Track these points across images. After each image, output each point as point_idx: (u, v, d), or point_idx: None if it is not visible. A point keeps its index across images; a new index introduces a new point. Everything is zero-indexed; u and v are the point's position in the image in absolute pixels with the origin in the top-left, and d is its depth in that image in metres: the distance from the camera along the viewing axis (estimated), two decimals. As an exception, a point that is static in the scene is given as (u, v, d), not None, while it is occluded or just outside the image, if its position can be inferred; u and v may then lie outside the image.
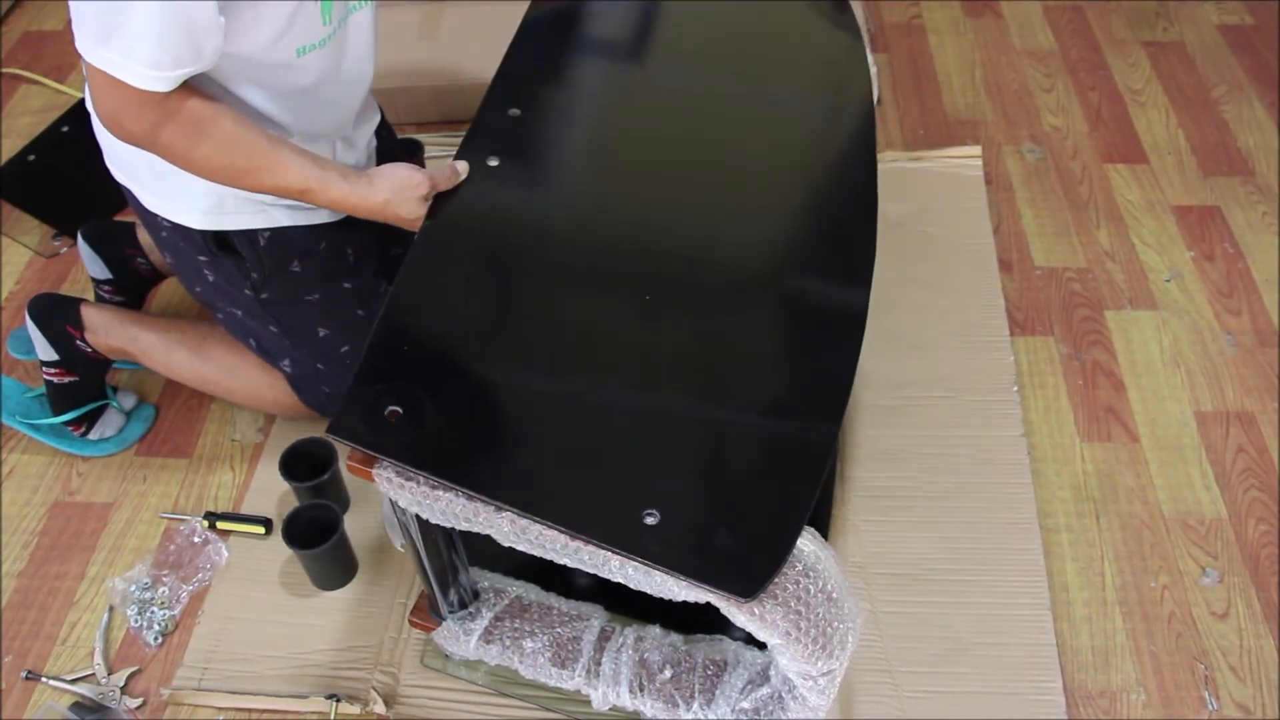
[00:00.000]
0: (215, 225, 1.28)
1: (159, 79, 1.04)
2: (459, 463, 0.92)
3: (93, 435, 1.54)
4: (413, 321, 1.03)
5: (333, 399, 1.45)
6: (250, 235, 1.29)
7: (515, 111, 1.24)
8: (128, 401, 1.58)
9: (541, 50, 1.34)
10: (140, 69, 1.03)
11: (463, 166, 1.20)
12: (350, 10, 1.22)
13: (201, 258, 1.34)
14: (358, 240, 1.41)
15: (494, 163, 1.18)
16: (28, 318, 1.46)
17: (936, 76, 2.15)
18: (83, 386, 1.51)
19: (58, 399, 1.50)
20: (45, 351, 1.47)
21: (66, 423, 1.52)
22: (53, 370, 1.48)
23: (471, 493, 0.90)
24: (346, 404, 0.94)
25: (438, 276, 1.08)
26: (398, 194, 1.19)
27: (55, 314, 1.46)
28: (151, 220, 1.34)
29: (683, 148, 1.26)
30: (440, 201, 1.15)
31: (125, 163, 1.30)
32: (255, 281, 1.34)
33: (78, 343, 1.46)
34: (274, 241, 1.31)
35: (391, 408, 0.94)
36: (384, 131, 1.53)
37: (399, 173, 1.21)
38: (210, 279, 1.37)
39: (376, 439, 0.92)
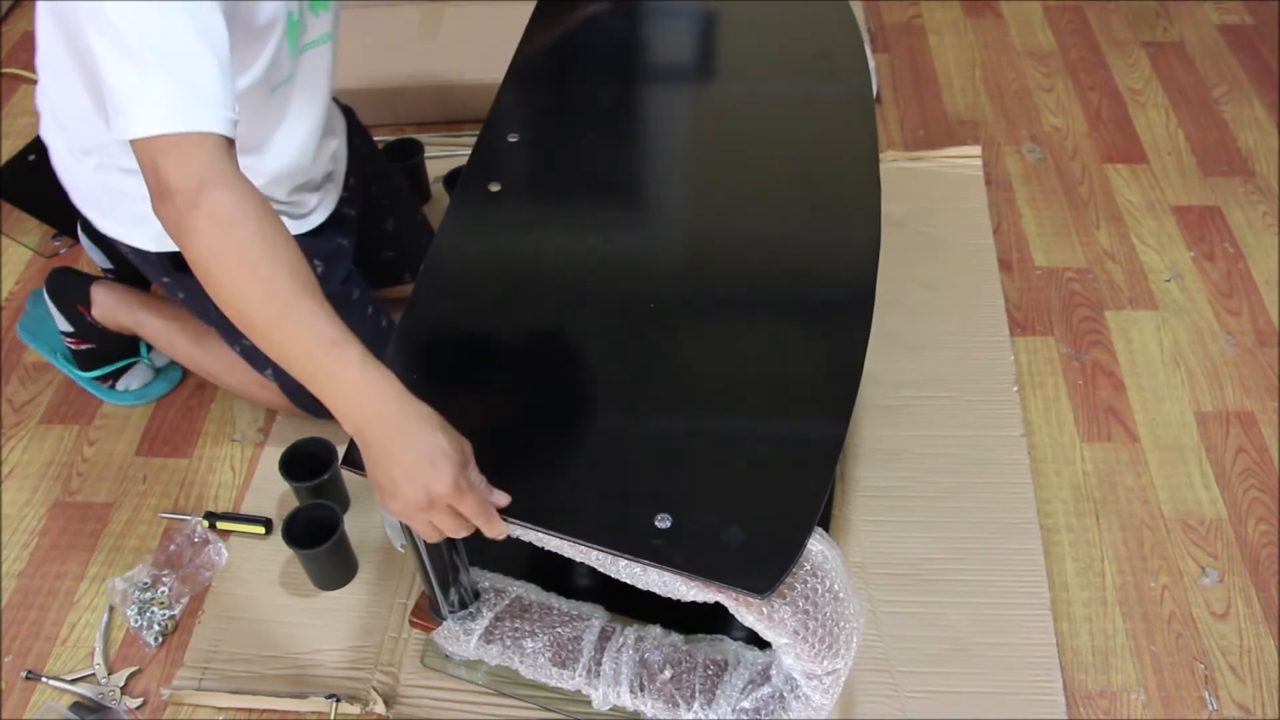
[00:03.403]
0: (170, 245, 1.27)
1: (196, 117, 0.94)
2: None
3: (119, 386, 1.60)
4: (421, 346, 1.03)
5: (318, 404, 1.44)
6: None
7: (514, 137, 1.25)
8: (160, 359, 1.61)
9: (537, 75, 1.35)
10: (219, 111, 0.94)
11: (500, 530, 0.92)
12: (306, 45, 1.24)
13: (165, 279, 1.36)
14: (324, 248, 1.41)
15: (495, 188, 1.19)
16: (45, 291, 1.53)
17: (936, 76, 2.15)
18: (102, 351, 1.56)
19: (82, 360, 1.57)
20: (62, 323, 1.53)
21: (94, 379, 1.59)
22: (71, 339, 1.55)
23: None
24: None
25: (444, 300, 1.08)
26: (428, 428, 0.88)
27: (68, 291, 1.53)
28: (113, 245, 1.39)
29: (682, 154, 1.27)
30: (445, 228, 1.15)
31: (82, 191, 1.32)
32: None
33: (88, 319, 1.52)
34: None
35: None
36: (356, 138, 1.54)
37: (406, 474, 0.87)
38: (181, 296, 1.38)
39: None
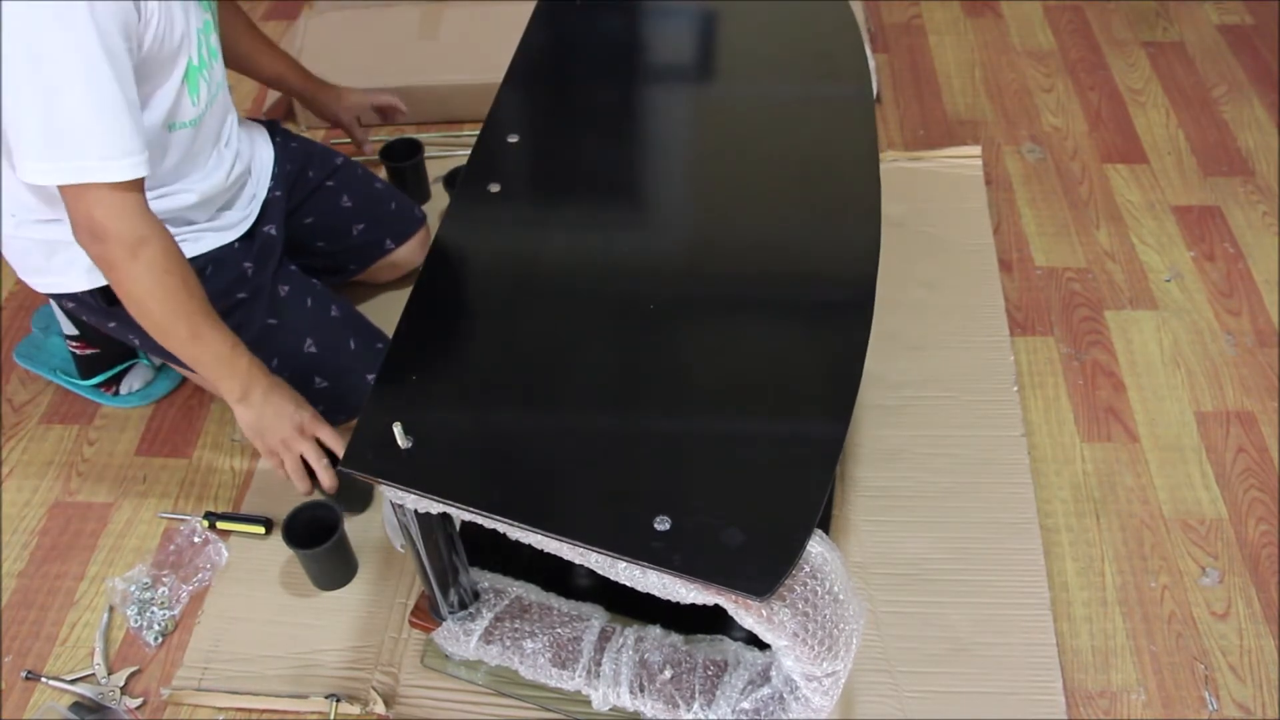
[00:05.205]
0: (100, 280, 1.31)
1: (124, 166, 1.08)
2: (471, 485, 0.92)
3: (121, 390, 1.60)
4: (421, 348, 1.03)
5: None
6: None
7: (514, 138, 1.25)
8: (158, 358, 1.61)
9: (537, 75, 1.35)
10: (102, 164, 1.07)
11: (329, 481, 1.29)
12: (217, 91, 1.32)
13: (110, 323, 1.39)
14: (252, 249, 1.43)
15: (495, 189, 1.19)
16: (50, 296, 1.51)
17: (936, 76, 2.15)
18: (105, 356, 1.57)
19: (84, 367, 1.57)
20: (67, 327, 1.53)
21: (96, 385, 1.59)
22: (75, 343, 1.55)
23: (484, 513, 0.90)
24: (357, 436, 0.95)
25: (444, 300, 1.08)
26: (260, 420, 1.26)
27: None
28: (58, 304, 1.44)
29: (682, 154, 1.27)
30: (445, 229, 1.15)
31: (14, 254, 1.34)
32: None
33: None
34: None
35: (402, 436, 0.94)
36: (278, 137, 1.55)
37: (293, 397, 1.27)
38: (133, 339, 1.41)
39: (389, 468, 0.93)
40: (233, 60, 1.57)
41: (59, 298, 1.38)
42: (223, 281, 1.37)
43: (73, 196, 1.09)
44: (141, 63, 1.14)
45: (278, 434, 1.26)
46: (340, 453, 1.22)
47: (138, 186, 1.11)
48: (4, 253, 1.35)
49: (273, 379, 1.26)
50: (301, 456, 1.27)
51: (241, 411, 1.26)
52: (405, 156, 1.84)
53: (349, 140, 1.83)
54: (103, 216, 1.09)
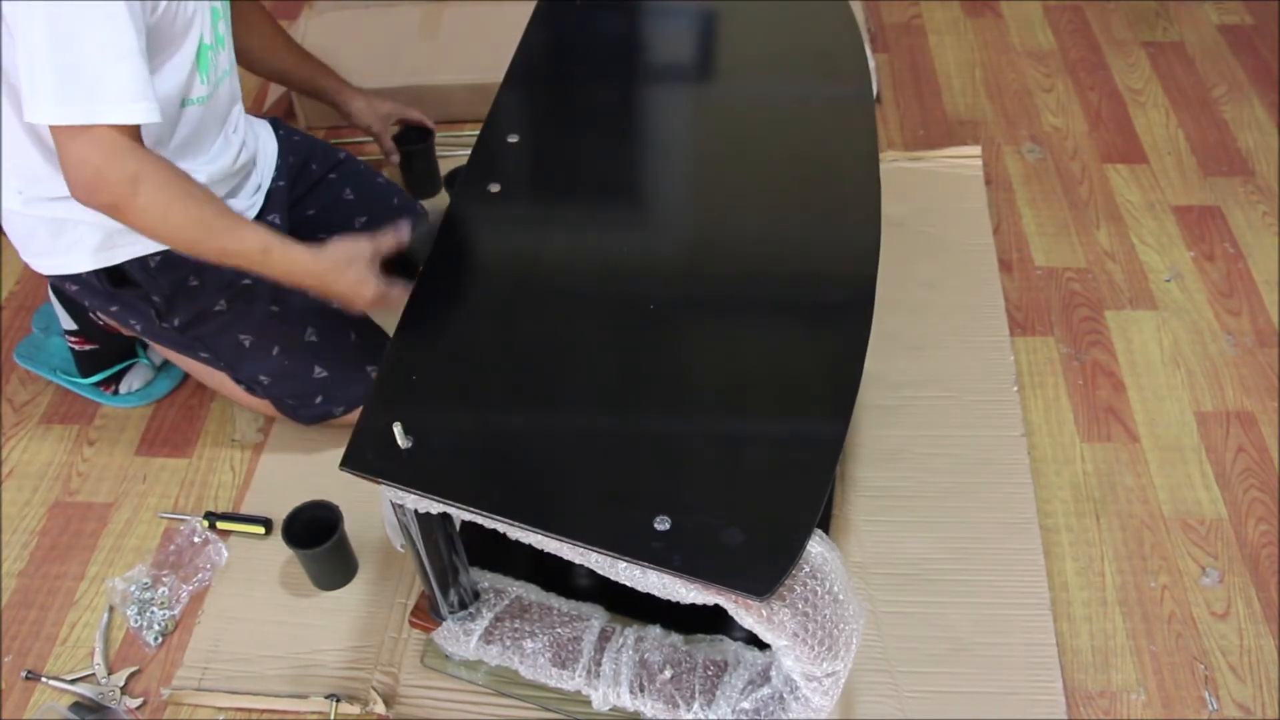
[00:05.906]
0: (107, 261, 1.31)
1: (136, 110, 1.08)
2: (471, 485, 0.92)
3: (121, 389, 1.60)
4: (421, 348, 1.03)
5: (299, 408, 1.45)
6: (141, 262, 1.33)
7: (514, 138, 1.25)
8: (158, 357, 1.61)
9: (537, 75, 1.35)
10: (114, 106, 1.07)
11: (404, 229, 1.28)
12: (224, 76, 1.33)
13: (112, 307, 1.39)
14: None
15: (495, 189, 1.19)
16: (50, 290, 1.53)
17: (936, 76, 2.15)
18: (105, 353, 1.56)
19: (83, 363, 1.57)
20: (67, 322, 1.53)
21: (95, 384, 1.59)
22: (74, 339, 1.55)
23: (484, 513, 0.90)
24: (357, 436, 0.95)
25: (444, 300, 1.08)
26: (338, 266, 1.23)
27: None
28: (58, 286, 1.44)
29: (682, 154, 1.27)
30: (445, 229, 1.16)
31: (19, 234, 1.34)
32: (159, 307, 1.36)
33: (90, 316, 1.52)
34: (165, 262, 1.34)
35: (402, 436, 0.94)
36: (282, 130, 1.56)
37: (343, 246, 1.25)
38: (134, 324, 1.41)
39: (389, 468, 0.93)
40: (262, 65, 1.59)
41: (62, 280, 1.37)
42: (228, 268, 1.37)
43: (68, 139, 1.08)
44: (154, 29, 1.14)
45: (351, 294, 1.24)
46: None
47: (135, 133, 1.12)
48: (6, 231, 1.34)
49: (317, 256, 1.23)
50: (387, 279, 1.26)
51: (313, 293, 1.26)
52: (417, 141, 1.84)
53: (354, 141, 1.83)
54: (99, 160, 1.09)
